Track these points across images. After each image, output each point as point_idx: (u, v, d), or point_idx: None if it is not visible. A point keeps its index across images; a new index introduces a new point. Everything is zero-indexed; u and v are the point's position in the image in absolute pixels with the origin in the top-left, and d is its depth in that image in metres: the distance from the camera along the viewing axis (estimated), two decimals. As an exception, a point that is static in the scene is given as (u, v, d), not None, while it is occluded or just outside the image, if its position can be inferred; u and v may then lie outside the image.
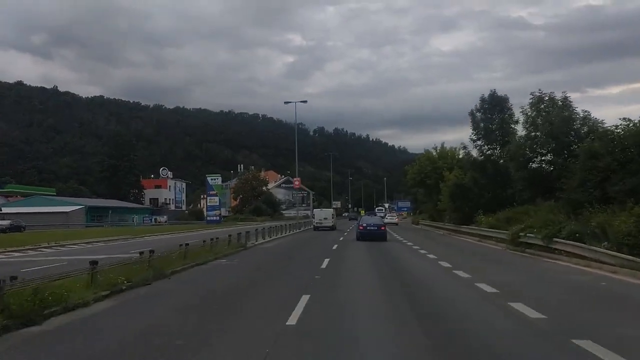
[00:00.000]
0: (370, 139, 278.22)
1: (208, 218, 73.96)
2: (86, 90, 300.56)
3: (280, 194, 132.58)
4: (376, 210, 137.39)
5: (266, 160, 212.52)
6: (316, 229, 49.72)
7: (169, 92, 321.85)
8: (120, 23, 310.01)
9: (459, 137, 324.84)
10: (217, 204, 75.19)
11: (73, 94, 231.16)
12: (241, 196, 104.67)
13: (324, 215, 52.05)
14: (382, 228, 33.62)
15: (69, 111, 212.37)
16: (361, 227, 33.41)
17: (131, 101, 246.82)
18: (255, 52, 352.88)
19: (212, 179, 77.02)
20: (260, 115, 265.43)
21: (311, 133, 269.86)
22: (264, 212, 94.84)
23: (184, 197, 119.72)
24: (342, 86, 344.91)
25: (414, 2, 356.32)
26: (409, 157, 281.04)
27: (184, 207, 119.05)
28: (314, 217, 54.30)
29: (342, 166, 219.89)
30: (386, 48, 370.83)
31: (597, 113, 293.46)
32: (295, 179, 61.83)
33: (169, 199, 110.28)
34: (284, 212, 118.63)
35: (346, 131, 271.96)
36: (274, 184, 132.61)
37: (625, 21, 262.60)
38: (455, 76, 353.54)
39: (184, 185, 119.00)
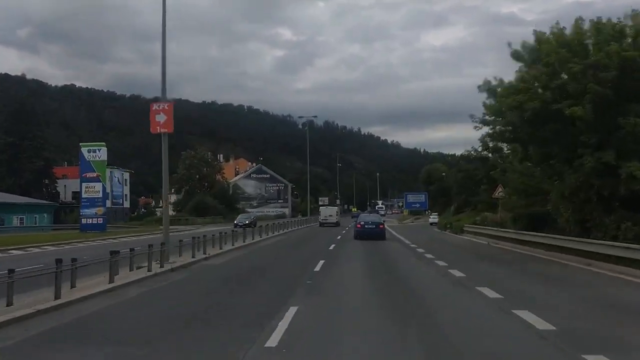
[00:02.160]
0: (362, 133, 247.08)
1: (83, 221, 39.85)
2: (60, 80, 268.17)
3: (249, 187, 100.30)
4: (377, 208, 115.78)
5: (252, 154, 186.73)
6: (322, 224, 51.54)
7: (157, 88, 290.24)
8: (107, 17, 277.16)
9: (452, 134, 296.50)
10: (99, 195, 40.38)
11: (39, 81, 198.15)
12: (186, 188, 72.36)
13: (329, 212, 54.54)
14: (381, 226, 29.76)
15: (34, 99, 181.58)
16: (359, 226, 29.62)
17: (105, 90, 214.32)
18: (246, 46, 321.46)
19: (89, 150, 41.23)
20: (246, 107, 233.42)
21: (300, 126, 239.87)
22: (211, 211, 61.86)
23: (126, 191, 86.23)
24: (333, 82, 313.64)
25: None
26: (402, 152, 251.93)
27: (127, 205, 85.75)
28: (319, 214, 56.44)
29: (332, 161, 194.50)
30: (377, 43, 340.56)
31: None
32: (158, 105, 18.16)
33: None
34: (253, 210, 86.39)
35: (337, 124, 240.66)
36: (242, 174, 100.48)
37: (615, 17, 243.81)
38: (447, 72, 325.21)
39: (126, 175, 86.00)
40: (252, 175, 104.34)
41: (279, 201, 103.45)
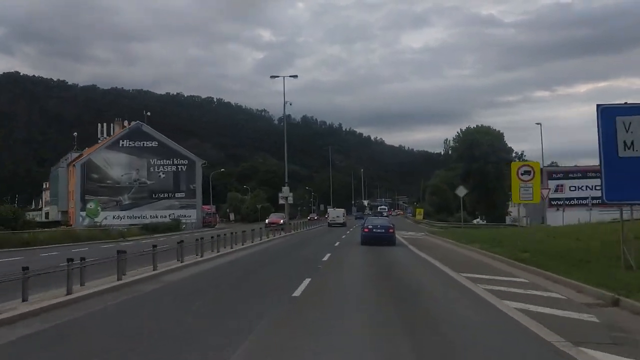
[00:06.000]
0: (344, 129, 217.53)
1: None
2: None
3: (116, 167, 53.87)
4: (379, 209, 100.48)
5: (220, 150, 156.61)
6: (330, 225, 51.80)
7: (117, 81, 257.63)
8: (86, 16, 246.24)
9: (432, 135, 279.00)
10: None
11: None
12: None
13: (336, 214, 55.18)
14: (391, 230, 26.02)
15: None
16: (366, 230, 26.00)
17: (54, 79, 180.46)
18: (226, 48, 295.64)
19: None
20: (215, 99, 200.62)
21: (275, 122, 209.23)
22: None
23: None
24: (314, 83, 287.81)
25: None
26: (386, 150, 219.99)
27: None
28: (327, 216, 56.68)
29: (310, 158, 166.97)
30: (357, 44, 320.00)
31: (565, 112, 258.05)
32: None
33: None
34: (124, 213, 49.16)
35: (316, 119, 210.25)
36: (104, 143, 56.46)
37: (592, 18, 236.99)
38: (427, 73, 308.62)
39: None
40: (121, 142, 54.25)
41: (179, 194, 55.54)
